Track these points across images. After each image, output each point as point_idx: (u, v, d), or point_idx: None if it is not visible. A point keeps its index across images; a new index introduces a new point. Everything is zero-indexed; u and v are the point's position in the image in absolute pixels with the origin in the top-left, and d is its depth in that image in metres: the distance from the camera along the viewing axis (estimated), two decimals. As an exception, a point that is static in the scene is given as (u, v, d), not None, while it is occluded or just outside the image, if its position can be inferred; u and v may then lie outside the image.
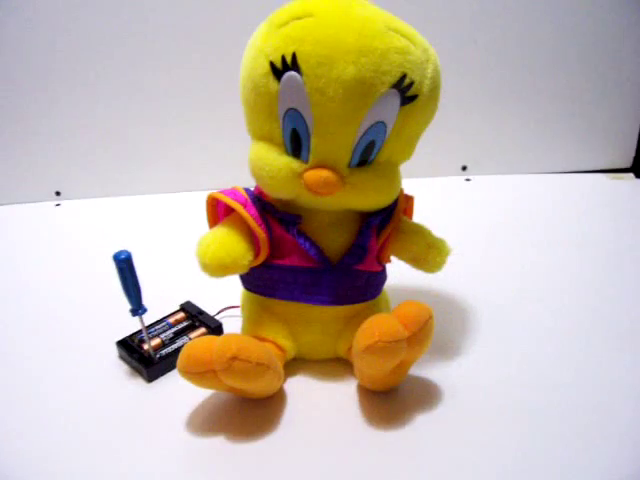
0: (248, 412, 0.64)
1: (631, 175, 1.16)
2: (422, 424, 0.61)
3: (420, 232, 0.67)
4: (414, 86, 0.56)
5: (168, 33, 1.07)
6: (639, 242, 0.96)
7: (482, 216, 1.03)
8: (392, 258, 0.69)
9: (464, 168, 1.16)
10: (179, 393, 0.65)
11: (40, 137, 1.13)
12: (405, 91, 0.56)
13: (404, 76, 0.55)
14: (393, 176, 0.62)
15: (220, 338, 0.58)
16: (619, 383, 0.66)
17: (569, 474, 0.56)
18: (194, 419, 0.63)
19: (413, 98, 0.57)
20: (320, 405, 0.64)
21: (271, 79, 0.56)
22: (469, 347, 0.72)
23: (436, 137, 1.08)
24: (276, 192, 0.61)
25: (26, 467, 0.58)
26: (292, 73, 0.54)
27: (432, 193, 0.90)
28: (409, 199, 0.69)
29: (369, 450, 0.59)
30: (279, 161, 0.58)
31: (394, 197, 0.62)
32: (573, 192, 1.12)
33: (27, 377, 0.70)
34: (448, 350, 0.72)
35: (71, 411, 0.65)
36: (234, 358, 0.56)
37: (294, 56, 0.54)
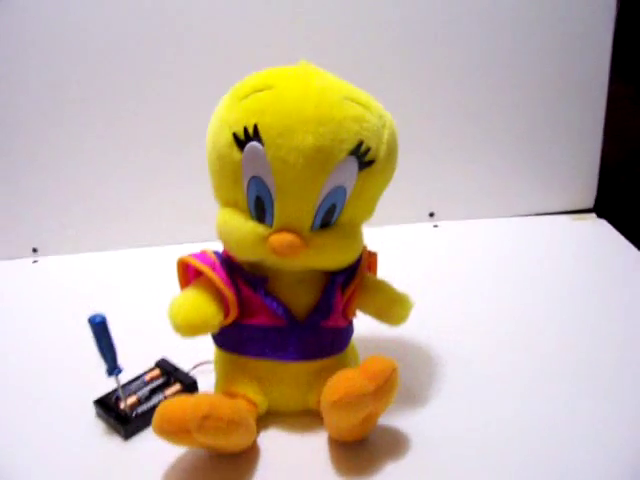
0: (223, 468, 0.65)
1: (593, 215, 1.20)
2: (392, 473, 0.64)
3: (383, 288, 0.70)
4: (371, 152, 0.59)
5: (142, 92, 1.10)
6: (603, 280, 1.00)
7: (449, 262, 1.06)
8: (358, 312, 0.72)
9: (431, 214, 1.19)
10: (155, 450, 0.66)
11: (17, 195, 1.14)
12: (362, 157, 0.59)
13: (361, 143, 0.58)
14: (354, 236, 0.65)
15: (192, 398, 0.61)
16: (588, 428, 0.69)
17: None
18: (170, 476, 0.65)
19: (370, 163, 0.60)
20: (292, 457, 0.66)
21: (235, 149, 0.59)
22: (437, 397, 0.75)
23: (402, 185, 1.12)
24: (243, 255, 0.64)
25: None
26: (254, 143, 0.58)
27: (400, 240, 0.93)
28: (372, 255, 0.72)
29: None
30: (245, 226, 0.61)
31: (356, 256, 0.65)
32: (538, 234, 1.15)
33: (5, 435, 0.72)
34: (416, 400, 0.74)
35: (49, 468, 0.67)
36: (206, 417, 0.58)
37: (255, 127, 0.57)
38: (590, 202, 1.21)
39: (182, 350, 0.79)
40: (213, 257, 0.66)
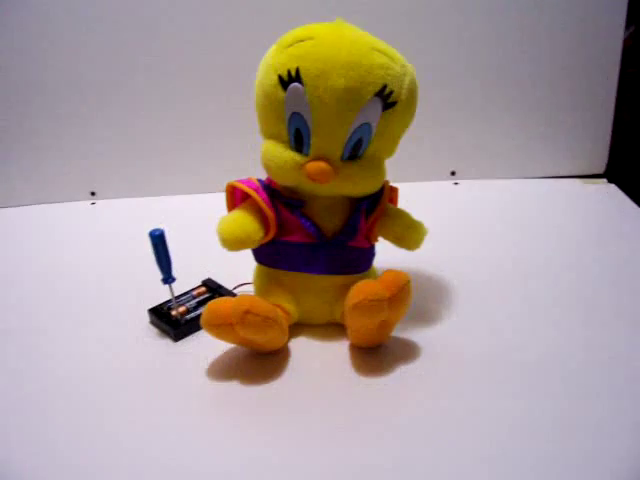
0: (258, 363, 0.77)
1: (604, 180, 1.26)
2: (404, 376, 0.74)
3: (401, 215, 0.80)
4: (393, 94, 0.69)
5: (190, 47, 1.20)
6: (610, 242, 1.05)
7: (467, 217, 1.15)
8: (380, 239, 0.82)
9: (453, 173, 1.28)
10: (201, 350, 0.79)
11: (77, 141, 1.26)
12: (386, 98, 0.69)
13: (385, 86, 0.68)
14: (378, 169, 0.75)
15: (236, 297, 0.72)
16: (588, 349, 0.77)
17: (547, 431, 0.65)
18: (213, 370, 0.76)
19: (393, 104, 0.70)
20: (318, 359, 0.77)
21: (279, 89, 0.70)
22: (447, 316, 0.84)
23: (426, 145, 1.23)
24: (282, 180, 0.75)
25: (70, 414, 0.71)
26: (295, 84, 0.68)
27: (423, 196, 1.01)
28: (394, 190, 0.82)
29: (358, 396, 0.71)
30: (285, 155, 0.72)
31: (379, 186, 0.76)
32: (551, 196, 1.22)
33: (73, 342, 0.84)
34: (427, 318, 0.84)
35: (111, 365, 0.78)
36: (247, 312, 0.69)
37: (297, 70, 0.68)
38: (601, 167, 1.28)
39: (225, 273, 0.91)
40: (257, 183, 0.77)
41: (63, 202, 1.29)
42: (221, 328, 0.72)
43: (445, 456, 0.63)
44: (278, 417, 0.69)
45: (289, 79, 0.69)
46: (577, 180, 1.28)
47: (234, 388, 0.73)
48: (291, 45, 0.69)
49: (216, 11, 1.18)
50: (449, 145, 1.28)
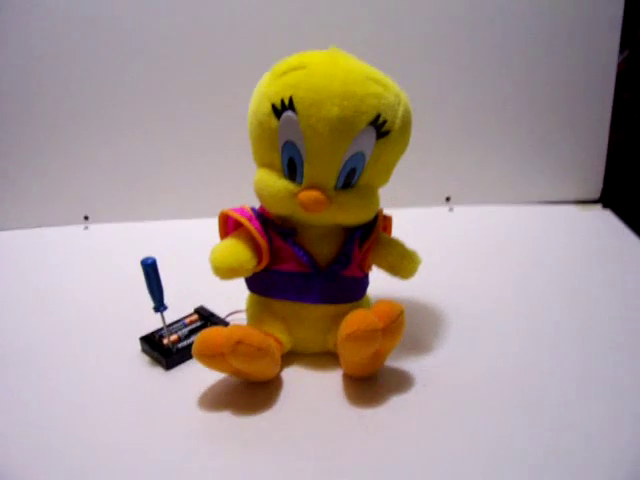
0: (250, 393, 0.76)
1: (599, 205, 1.26)
2: (397, 406, 0.73)
3: (394, 244, 0.80)
4: (387, 123, 0.69)
5: (186, 72, 1.20)
6: (606, 269, 1.05)
7: (462, 243, 1.14)
8: (373, 267, 0.81)
9: (448, 199, 1.28)
10: (192, 379, 0.78)
11: (71, 165, 1.25)
12: (380, 127, 0.69)
13: (379, 115, 0.68)
14: (372, 197, 0.75)
15: (228, 327, 0.71)
16: (584, 380, 0.76)
17: (538, 462, 0.64)
18: (205, 400, 0.75)
19: (386, 133, 0.70)
20: (310, 389, 0.76)
21: (273, 117, 0.69)
22: (441, 346, 0.83)
23: (421, 170, 1.23)
24: (275, 209, 0.75)
25: (59, 443, 0.70)
26: (289, 113, 0.68)
27: (417, 222, 1.01)
28: (387, 218, 0.82)
29: (351, 427, 0.70)
30: (278, 184, 0.72)
31: (373, 214, 0.76)
32: (546, 222, 1.22)
33: (64, 368, 0.82)
34: (421, 347, 0.83)
35: (101, 394, 0.77)
36: (239, 342, 0.68)
37: (291, 99, 0.67)
38: (596, 193, 1.28)
39: (218, 300, 0.91)
40: (250, 211, 0.77)
41: (56, 226, 1.28)
42: (213, 358, 0.71)
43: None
44: (270, 448, 0.68)
45: (282, 108, 0.69)
46: (572, 206, 1.28)
47: (225, 418, 0.72)
48: (285, 73, 0.69)
49: (210, 39, 1.18)
50: (444, 171, 1.28)
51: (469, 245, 1.15)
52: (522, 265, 1.06)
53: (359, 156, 0.70)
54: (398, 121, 0.71)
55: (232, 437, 0.70)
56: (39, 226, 1.29)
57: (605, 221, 1.23)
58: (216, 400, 0.75)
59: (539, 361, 0.80)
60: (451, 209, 1.29)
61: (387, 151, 0.72)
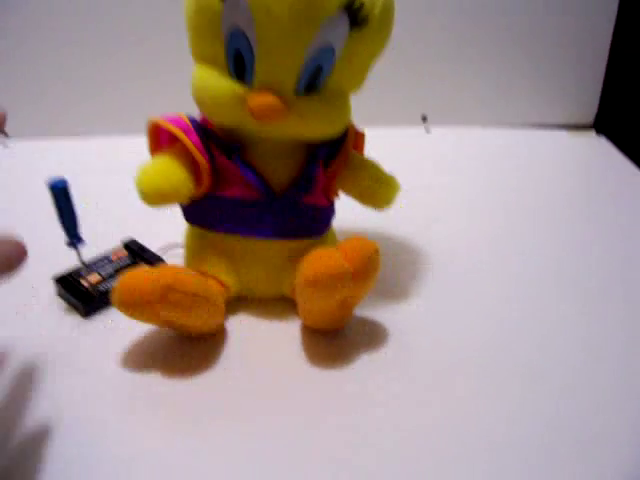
0: (187, 348, 0.62)
1: (592, 132, 1.15)
2: (366, 365, 0.60)
3: (369, 167, 0.65)
4: (364, 8, 0.53)
5: None
6: (599, 197, 0.95)
7: (441, 170, 1.02)
8: (341, 195, 0.67)
9: (424, 119, 1.14)
10: (117, 329, 0.63)
11: None
12: (355, 14, 0.53)
13: None
14: (341, 105, 0.59)
15: (157, 269, 0.56)
16: (564, 323, 0.66)
17: (512, 413, 0.55)
18: (131, 354, 0.61)
19: (363, 22, 0.54)
20: (261, 343, 0.63)
21: None
22: (418, 291, 0.71)
23: (393, 84, 1.08)
24: (219, 117, 0.59)
25: None
26: None
27: (389, 145, 0.87)
28: (359, 135, 0.67)
29: (309, 388, 0.58)
30: (222, 84, 0.56)
31: (342, 127, 0.60)
32: (534, 147, 1.10)
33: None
34: (396, 293, 0.70)
35: (6, 345, 0.62)
36: (170, 288, 0.54)
37: None
38: (590, 117, 1.16)
39: (153, 232, 0.75)
40: (187, 122, 0.61)
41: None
42: (137, 308, 0.56)
43: (414, 456, 0.51)
44: (211, 416, 0.55)
45: None
46: (563, 131, 1.15)
47: (156, 378, 0.58)
48: None
49: None
50: (419, 85, 1.13)
51: (449, 172, 1.01)
52: (508, 195, 0.94)
53: (327, 51, 0.54)
54: (379, 5, 0.54)
55: (164, 402, 0.56)
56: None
57: (599, 148, 1.11)
58: (145, 355, 0.61)
59: (530, 306, 0.69)
60: (428, 130, 1.14)
61: (363, 46, 0.56)
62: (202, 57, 0.58)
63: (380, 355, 0.61)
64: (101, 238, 0.71)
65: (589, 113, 1.16)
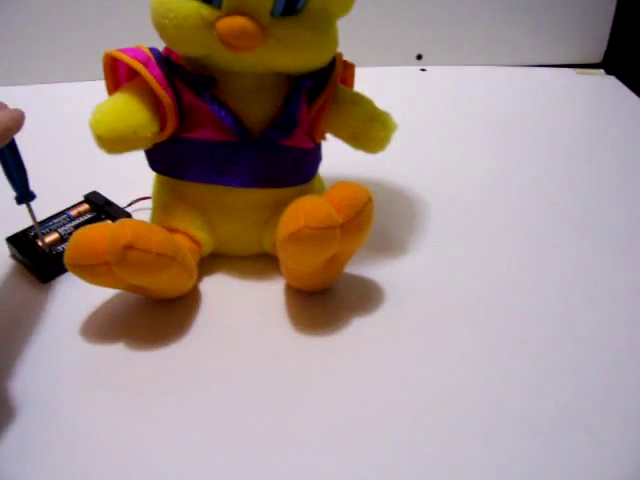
0: (155, 314, 0.55)
1: (601, 71, 1.08)
2: (355, 329, 0.54)
3: (361, 102, 0.57)
4: None
5: None
6: (609, 138, 0.88)
7: (438, 113, 0.94)
8: (328, 136, 0.59)
9: (419, 57, 1.05)
10: (78, 294, 0.56)
11: None
12: None
13: None
14: (327, 28, 0.51)
15: (115, 224, 0.48)
16: (572, 286, 0.60)
17: (513, 375, 0.51)
18: (93, 322, 0.54)
19: None
20: (240, 306, 0.56)
21: None
22: (415, 245, 0.64)
23: (388, 23, 1.00)
24: (183, 46, 0.50)
25: None
26: None
27: (384, 83, 0.80)
28: (348, 66, 0.58)
29: (295, 355, 0.52)
30: (186, 6, 0.47)
31: (328, 55, 0.52)
32: (538, 87, 1.02)
33: None
34: (391, 247, 0.64)
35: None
36: (129, 247, 0.46)
37: None
38: (599, 56, 1.09)
39: (118, 183, 0.67)
40: (148, 53, 0.52)
41: None
42: (93, 270, 0.49)
43: (412, 425, 0.47)
44: (181, 384, 0.49)
45: None
46: (570, 70, 1.07)
47: (120, 346, 0.52)
48: None
49: None
50: (414, 21, 1.04)
51: (446, 114, 0.93)
52: (511, 139, 0.86)
53: None
54: None
55: (129, 371, 0.50)
56: None
57: (608, 87, 1.03)
58: (109, 323, 0.54)
59: (532, 255, 0.64)
60: (423, 69, 1.06)
61: None
62: None
63: (372, 318, 0.55)
64: (60, 193, 0.64)
65: (598, 51, 1.09)
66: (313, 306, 0.56)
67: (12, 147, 0.53)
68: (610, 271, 0.62)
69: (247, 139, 0.53)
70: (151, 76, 0.51)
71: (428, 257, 0.63)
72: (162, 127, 0.53)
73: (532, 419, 0.47)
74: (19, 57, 1.01)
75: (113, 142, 0.50)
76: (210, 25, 0.47)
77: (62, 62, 1.01)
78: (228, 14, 0.47)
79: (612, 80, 1.05)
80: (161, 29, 0.50)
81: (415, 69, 1.06)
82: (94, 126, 0.50)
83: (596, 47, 1.08)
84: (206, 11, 0.47)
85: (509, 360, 0.52)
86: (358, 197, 0.49)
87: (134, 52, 0.52)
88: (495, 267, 0.62)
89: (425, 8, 1.03)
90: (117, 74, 0.55)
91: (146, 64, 0.51)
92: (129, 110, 0.51)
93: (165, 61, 0.52)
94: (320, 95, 0.54)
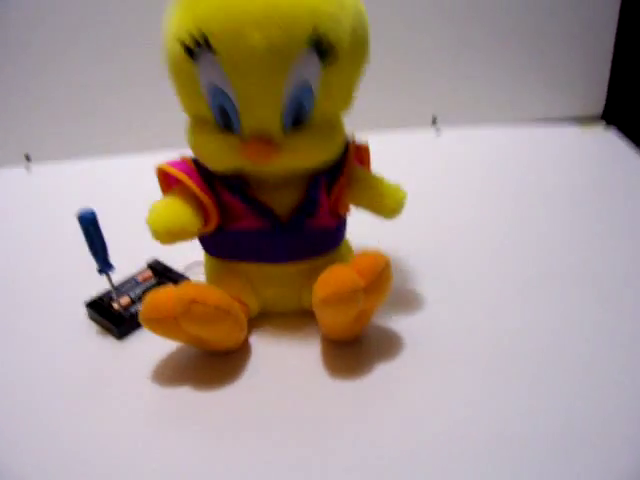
0: (212, 365, 0.65)
1: (602, 123, 1.16)
2: (384, 372, 0.63)
3: (372, 182, 0.67)
4: (331, 42, 0.54)
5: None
6: (609, 190, 0.96)
7: (452, 171, 1.03)
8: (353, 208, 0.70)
9: (434, 120, 1.15)
10: (148, 348, 0.67)
11: (8, 100, 1.13)
12: (322, 48, 0.55)
13: (317, 33, 0.53)
14: (331, 132, 0.61)
15: (180, 285, 0.60)
16: (576, 326, 0.69)
17: (529, 417, 0.58)
18: (162, 372, 0.65)
19: (332, 58, 0.56)
20: (284, 356, 0.66)
21: (188, 61, 0.56)
22: (433, 298, 0.74)
23: (403, 86, 1.11)
24: (217, 167, 0.62)
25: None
26: (206, 53, 0.54)
27: (400, 147, 0.89)
28: (362, 148, 0.69)
29: (331, 397, 0.61)
30: (214, 139, 0.59)
31: (337, 152, 0.62)
32: (544, 143, 1.11)
33: (2, 337, 0.72)
34: (409, 302, 0.73)
35: (45, 369, 0.67)
36: (192, 301, 0.57)
37: (204, 36, 0.53)
38: (599, 109, 1.17)
39: (175, 251, 0.77)
40: (191, 163, 0.64)
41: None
42: (163, 323, 0.60)
43: (432, 459, 0.55)
44: (235, 425, 0.59)
45: (196, 46, 0.54)
46: (573, 124, 1.17)
47: (184, 392, 0.63)
48: (192, 1, 0.54)
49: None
50: (429, 88, 1.14)
51: (459, 172, 1.03)
52: (519, 194, 0.96)
53: (304, 88, 0.57)
54: (347, 37, 0.56)
55: (192, 415, 0.61)
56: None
57: (609, 139, 1.12)
58: (175, 372, 0.65)
59: (542, 311, 0.71)
60: (438, 131, 1.16)
61: (339, 75, 0.58)
62: (191, 113, 0.61)
63: (396, 362, 0.65)
64: (126, 260, 0.74)
65: (598, 104, 1.17)
66: (345, 353, 0.66)
67: (96, 227, 0.65)
68: (604, 319, 0.69)
69: (278, 225, 0.64)
70: (194, 185, 0.62)
71: (443, 310, 0.71)
72: (206, 222, 0.64)
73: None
74: (88, 131, 1.15)
75: (166, 236, 0.62)
76: (235, 149, 0.58)
77: (123, 136, 1.15)
78: (248, 138, 0.58)
79: (613, 132, 1.13)
80: (198, 155, 0.62)
81: (431, 132, 1.16)
82: (151, 224, 0.61)
83: (596, 101, 1.17)
84: (230, 139, 0.59)
85: (510, 395, 0.60)
86: (377, 263, 0.60)
87: (180, 165, 0.64)
88: (501, 316, 0.70)
89: (435, 73, 1.14)
90: (168, 179, 0.66)
91: (190, 174, 0.63)
92: (177, 210, 0.62)
93: (205, 169, 0.63)
94: (336, 182, 0.65)
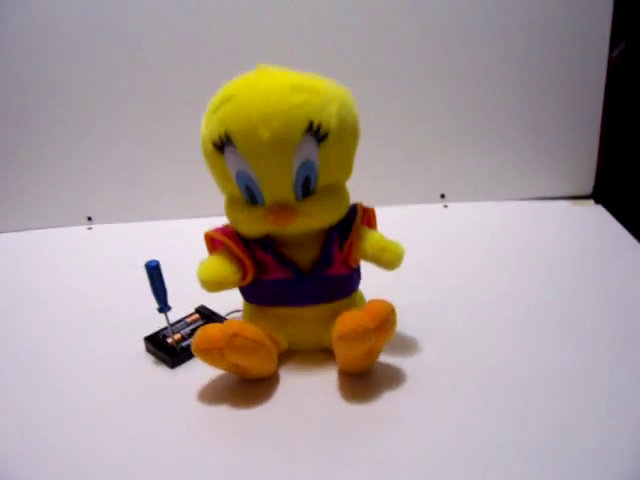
0: (248, 390, 0.78)
1: (591, 201, 1.26)
2: (391, 399, 0.75)
3: (372, 238, 0.79)
4: (322, 127, 0.71)
5: (185, 61, 1.21)
6: (597, 264, 1.06)
7: (457, 240, 1.15)
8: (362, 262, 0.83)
9: (442, 196, 1.28)
10: (196, 376, 0.80)
11: (72, 166, 1.26)
12: (316, 133, 0.71)
13: (311, 123, 0.70)
14: (336, 197, 0.77)
15: (225, 322, 0.75)
16: (582, 379, 0.76)
17: (537, 452, 0.65)
18: (206, 395, 0.78)
19: (324, 137, 0.71)
20: (307, 385, 0.78)
21: (218, 155, 0.73)
22: (432, 338, 0.85)
23: (416, 168, 1.25)
24: (252, 234, 0.78)
25: (62, 447, 0.71)
26: (229, 147, 0.71)
27: (412, 219, 1.01)
28: (368, 211, 0.82)
29: (346, 420, 0.72)
30: (245, 212, 0.76)
31: (343, 212, 0.77)
32: (539, 218, 1.23)
33: (70, 370, 0.85)
34: (411, 341, 0.85)
35: (108, 393, 0.80)
36: (235, 335, 0.72)
37: (227, 135, 0.70)
38: (589, 189, 1.29)
39: (218, 300, 0.89)
40: (231, 229, 0.80)
41: (59, 227, 1.30)
42: (210, 352, 0.74)
43: (435, 471, 0.64)
44: (266, 440, 0.71)
45: (222, 144, 0.72)
46: (564, 202, 1.28)
47: (227, 414, 0.75)
48: (217, 109, 0.72)
49: (203, 42, 1.19)
50: (439, 168, 1.29)
51: (464, 242, 1.15)
52: (515, 262, 1.06)
53: (308, 165, 0.72)
54: (333, 120, 0.71)
55: (231, 430, 0.73)
56: (42, 227, 1.30)
57: (597, 216, 1.23)
58: (217, 395, 0.78)
59: (534, 360, 0.81)
60: (446, 206, 1.30)
61: (334, 151, 0.73)
62: (225, 192, 0.79)
63: (401, 392, 0.77)
64: (177, 306, 0.87)
65: (587, 184, 1.29)
66: (358, 384, 0.78)
67: (159, 272, 0.80)
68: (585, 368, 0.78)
69: (301, 275, 0.79)
70: (234, 245, 0.78)
71: (443, 348, 0.83)
72: (244, 275, 0.79)
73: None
74: (140, 198, 1.28)
75: (211, 285, 0.78)
76: (261, 217, 0.74)
77: (172, 203, 1.29)
78: (270, 208, 0.74)
79: (600, 209, 1.25)
80: (234, 226, 0.78)
81: (439, 206, 1.30)
82: (200, 275, 0.77)
83: (586, 181, 1.29)
84: (257, 210, 0.75)
85: (523, 437, 0.67)
86: (385, 309, 0.74)
87: (223, 230, 0.80)
88: (497, 355, 0.81)
89: (445, 156, 1.27)
90: (214, 242, 0.82)
91: (231, 237, 0.79)
92: (221, 265, 0.78)
93: None
94: (347, 239, 0.78)
